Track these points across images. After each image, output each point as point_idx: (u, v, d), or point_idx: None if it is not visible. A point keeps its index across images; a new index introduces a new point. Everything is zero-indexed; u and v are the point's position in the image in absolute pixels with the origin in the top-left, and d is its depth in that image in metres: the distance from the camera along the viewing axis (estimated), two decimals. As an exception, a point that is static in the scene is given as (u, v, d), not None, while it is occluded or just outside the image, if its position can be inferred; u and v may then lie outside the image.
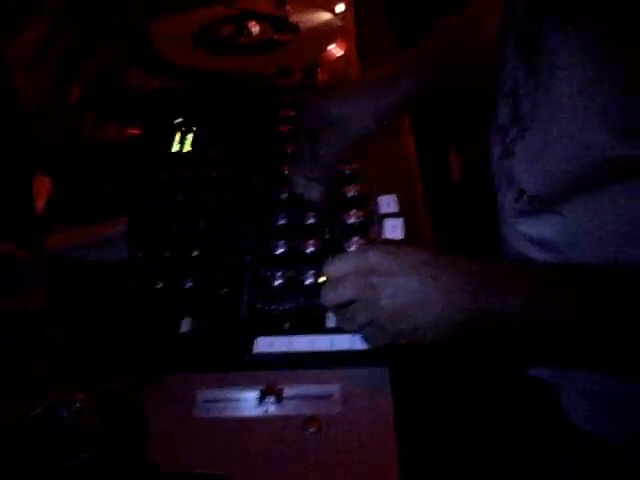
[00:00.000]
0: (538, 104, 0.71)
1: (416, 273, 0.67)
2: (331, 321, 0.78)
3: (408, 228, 0.88)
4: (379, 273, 0.68)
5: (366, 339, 0.73)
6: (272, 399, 0.72)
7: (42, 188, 0.95)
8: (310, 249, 0.85)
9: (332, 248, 0.86)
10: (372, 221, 0.89)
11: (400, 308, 0.67)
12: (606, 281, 0.67)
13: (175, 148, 1.05)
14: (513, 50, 0.76)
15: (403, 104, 0.90)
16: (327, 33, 1.30)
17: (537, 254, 0.78)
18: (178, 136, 1.06)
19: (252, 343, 0.76)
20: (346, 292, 0.69)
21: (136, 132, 1.09)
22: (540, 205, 0.74)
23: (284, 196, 0.93)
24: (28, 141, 0.91)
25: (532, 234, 0.78)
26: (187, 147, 1.05)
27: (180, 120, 1.09)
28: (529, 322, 0.68)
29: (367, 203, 0.92)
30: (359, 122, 0.88)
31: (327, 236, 0.88)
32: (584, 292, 0.66)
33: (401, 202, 0.92)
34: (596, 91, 0.64)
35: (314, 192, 0.91)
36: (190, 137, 1.06)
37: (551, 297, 0.67)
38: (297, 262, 0.84)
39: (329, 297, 0.71)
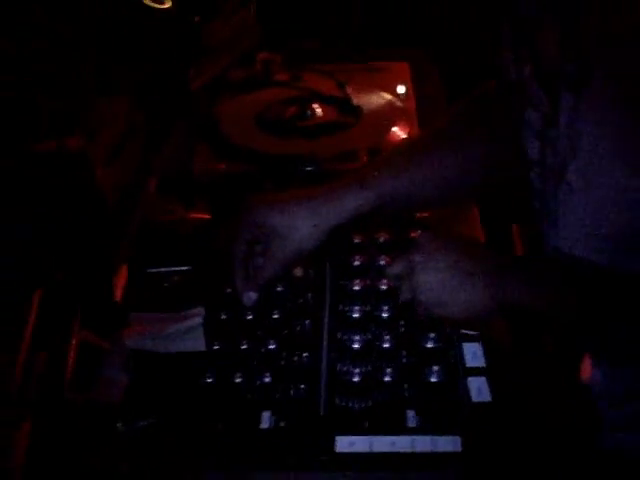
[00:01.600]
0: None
1: (453, 263, 0.77)
2: (411, 420, 0.78)
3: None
4: (421, 256, 0.78)
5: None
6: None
7: (120, 277, 0.97)
8: (386, 344, 0.85)
9: (409, 342, 0.86)
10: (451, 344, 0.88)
11: (434, 291, 0.77)
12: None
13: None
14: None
15: (355, 217, 0.89)
16: (389, 115, 1.32)
17: None
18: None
19: (332, 441, 0.77)
20: (393, 269, 0.82)
21: (205, 217, 1.11)
22: None
23: (358, 287, 0.93)
24: (110, 233, 0.94)
25: None
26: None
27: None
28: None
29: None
30: (300, 239, 0.87)
31: (402, 330, 0.88)
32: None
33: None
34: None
35: (249, 299, 0.90)
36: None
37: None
38: (374, 357, 0.85)
39: (386, 271, 0.85)
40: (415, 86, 1.43)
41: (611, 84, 0.68)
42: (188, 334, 0.89)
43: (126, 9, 1.23)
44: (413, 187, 0.92)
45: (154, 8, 1.27)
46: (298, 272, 0.97)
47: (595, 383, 0.87)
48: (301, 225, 0.87)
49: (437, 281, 0.77)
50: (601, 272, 0.74)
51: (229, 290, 0.94)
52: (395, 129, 1.27)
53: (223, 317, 0.92)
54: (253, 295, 0.90)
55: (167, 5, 1.28)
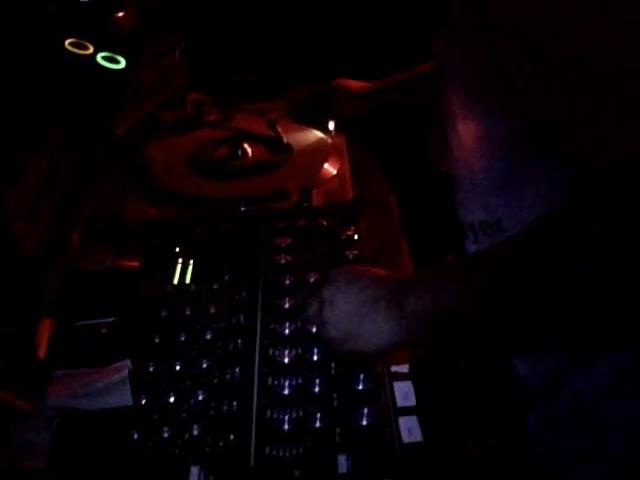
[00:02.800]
0: None
1: (359, 293, 0.77)
2: (343, 466, 0.76)
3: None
4: (329, 290, 0.79)
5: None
6: None
7: (44, 331, 0.94)
8: (317, 388, 0.84)
9: (339, 386, 0.85)
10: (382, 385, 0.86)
11: (342, 324, 0.78)
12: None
13: (175, 281, 1.04)
14: None
15: None
16: (320, 152, 1.32)
17: None
18: (178, 268, 1.06)
19: (263, 493, 0.75)
20: (308, 310, 0.84)
21: (134, 264, 1.09)
22: None
23: (286, 331, 0.92)
24: (30, 287, 0.91)
25: None
26: (187, 279, 1.04)
27: (178, 251, 1.09)
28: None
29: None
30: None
31: (333, 372, 0.87)
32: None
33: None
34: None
35: None
36: (189, 268, 1.06)
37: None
38: (305, 402, 0.83)
39: (301, 316, 0.91)
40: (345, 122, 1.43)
41: None
42: (114, 389, 0.86)
43: (48, 56, 1.21)
44: None
45: (77, 54, 1.25)
46: (226, 318, 0.95)
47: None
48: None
49: (344, 313, 0.78)
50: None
51: (157, 340, 0.93)
52: (326, 166, 1.27)
53: (150, 369, 0.89)
54: None
55: (90, 51, 1.26)
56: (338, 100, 1.38)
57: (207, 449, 0.80)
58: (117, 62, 1.20)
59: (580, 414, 0.87)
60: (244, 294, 0.99)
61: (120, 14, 1.22)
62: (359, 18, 1.64)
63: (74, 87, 1.19)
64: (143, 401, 0.85)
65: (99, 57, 1.19)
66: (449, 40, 0.87)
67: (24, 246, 0.91)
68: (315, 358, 0.88)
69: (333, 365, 0.87)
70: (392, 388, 0.84)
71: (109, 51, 1.21)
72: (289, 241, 1.07)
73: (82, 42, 1.19)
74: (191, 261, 1.07)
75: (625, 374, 0.83)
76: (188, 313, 0.97)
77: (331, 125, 1.38)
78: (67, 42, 1.19)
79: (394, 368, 0.86)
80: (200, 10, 1.55)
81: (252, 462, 0.78)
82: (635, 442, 0.84)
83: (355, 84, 1.40)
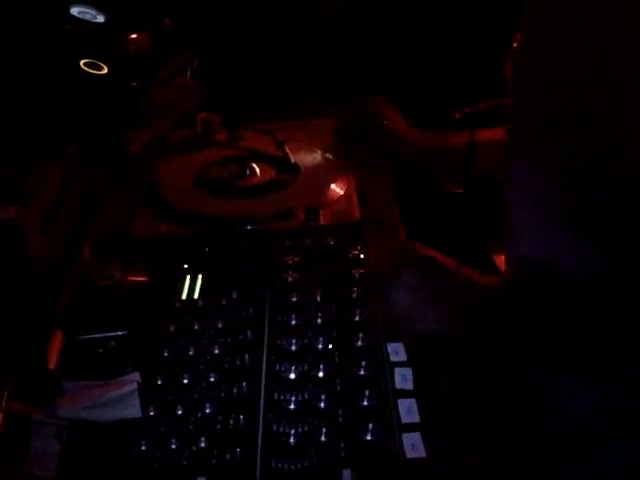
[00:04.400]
0: None
1: None
2: (347, 479, 0.78)
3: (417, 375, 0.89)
4: None
5: None
6: None
7: (55, 344, 0.96)
8: (322, 403, 0.86)
9: (344, 402, 0.86)
10: (382, 371, 0.90)
11: None
12: None
13: (183, 296, 1.06)
14: None
15: None
16: (327, 173, 1.34)
17: None
18: (186, 284, 1.08)
19: (268, 506, 0.76)
20: None
21: (143, 279, 1.11)
22: None
23: (293, 347, 0.94)
24: (43, 301, 0.93)
25: None
26: (195, 294, 1.06)
27: (186, 267, 1.11)
28: None
29: (376, 352, 0.93)
30: None
31: (339, 388, 0.88)
32: None
33: (408, 349, 0.93)
34: None
35: None
36: (198, 284, 1.08)
37: None
38: (310, 418, 0.85)
39: None
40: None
41: None
42: (123, 401, 0.88)
43: (63, 74, 1.24)
44: None
45: (91, 74, 1.28)
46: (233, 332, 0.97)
47: None
48: None
49: None
50: None
51: (166, 354, 0.94)
52: (333, 186, 1.29)
53: (159, 382, 0.91)
54: None
55: (104, 71, 1.29)
56: (386, 141, 1.38)
57: (213, 462, 0.81)
58: (99, 68, 1.22)
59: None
60: (251, 310, 1.01)
61: (134, 35, 1.24)
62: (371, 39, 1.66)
63: (88, 106, 1.21)
64: (151, 413, 0.87)
65: (81, 63, 1.21)
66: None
67: (38, 261, 0.93)
68: (321, 374, 0.90)
69: (338, 381, 0.89)
70: (396, 404, 0.86)
71: (124, 73, 1.24)
72: (296, 259, 1.09)
73: (97, 62, 1.22)
74: (199, 277, 1.09)
75: None
76: (196, 328, 0.98)
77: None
78: (82, 62, 1.22)
79: (398, 385, 0.88)
80: (211, 31, 1.59)
81: (258, 475, 0.80)
82: None
83: (405, 127, 1.38)
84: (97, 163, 1.23)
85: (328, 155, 1.39)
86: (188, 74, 1.47)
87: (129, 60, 1.23)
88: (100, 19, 1.25)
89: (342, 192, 1.29)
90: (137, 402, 0.88)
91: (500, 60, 0.92)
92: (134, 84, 1.31)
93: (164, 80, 1.40)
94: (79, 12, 1.22)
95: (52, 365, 0.94)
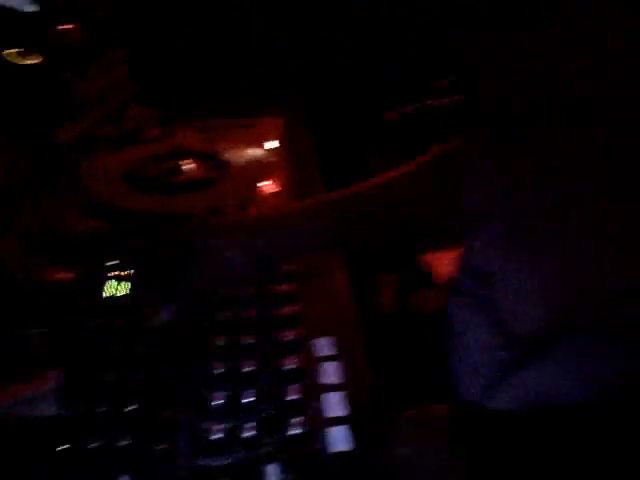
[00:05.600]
0: None
1: None
2: (271, 476, 0.77)
3: (346, 370, 0.89)
4: None
5: None
6: None
7: (-29, 342, 0.93)
8: (247, 399, 0.85)
9: (269, 396, 0.86)
10: (309, 366, 0.90)
11: None
12: None
13: (109, 293, 1.04)
14: None
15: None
16: (260, 170, 1.33)
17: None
18: (113, 281, 1.06)
19: (191, 503, 0.75)
20: None
21: (69, 276, 1.08)
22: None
23: (220, 343, 0.93)
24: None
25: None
26: (122, 291, 1.04)
27: (113, 263, 1.09)
28: None
29: (303, 347, 0.92)
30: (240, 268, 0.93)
31: (264, 383, 0.88)
32: None
33: (338, 344, 0.93)
34: None
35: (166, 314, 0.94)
36: (124, 282, 1.06)
37: None
38: (234, 413, 0.84)
39: None
40: (287, 142, 1.45)
41: None
42: (43, 398, 0.86)
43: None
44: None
45: (21, 64, 1.24)
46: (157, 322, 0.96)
47: None
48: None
49: None
50: None
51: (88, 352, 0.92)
52: (265, 183, 1.28)
53: (81, 379, 0.89)
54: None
55: (36, 60, 1.26)
56: None
57: (136, 459, 0.80)
58: (34, 58, 1.19)
59: None
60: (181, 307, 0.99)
61: (68, 26, 1.22)
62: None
63: (19, 96, 1.18)
64: (71, 411, 0.85)
65: (13, 52, 1.18)
66: None
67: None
68: (246, 370, 0.89)
69: (264, 376, 0.88)
70: (322, 398, 0.85)
71: (57, 63, 1.21)
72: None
73: (29, 52, 1.19)
74: (126, 274, 1.07)
75: None
76: (121, 325, 0.96)
77: (273, 144, 1.40)
78: (12, 51, 1.18)
79: (325, 379, 0.88)
80: (145, 26, 1.57)
81: (182, 472, 0.78)
82: None
83: None
84: (25, 154, 1.20)
85: (261, 152, 1.39)
86: (121, 69, 1.45)
87: (62, 51, 1.20)
88: (29, 8, 1.22)
89: (276, 189, 1.28)
90: (58, 399, 0.85)
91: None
92: (67, 74, 1.28)
93: (97, 72, 1.37)
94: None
95: (-31, 363, 0.91)
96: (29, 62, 1.25)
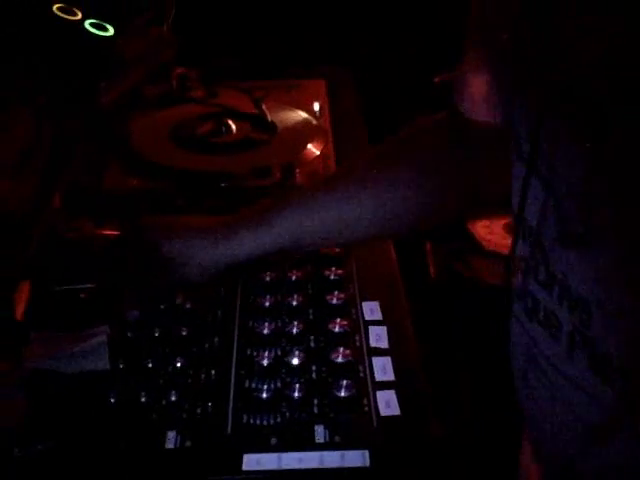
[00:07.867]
0: None
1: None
2: (320, 435, 0.77)
3: (392, 334, 0.89)
4: None
5: None
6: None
7: (22, 294, 0.93)
8: (296, 361, 0.84)
9: (318, 358, 0.85)
10: (357, 329, 0.89)
11: None
12: None
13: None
14: None
15: (257, 258, 0.84)
16: (304, 132, 1.32)
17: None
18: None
19: (239, 459, 0.75)
20: None
21: (114, 233, 1.08)
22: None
23: (267, 303, 0.92)
24: (11, 248, 0.90)
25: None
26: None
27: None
28: None
29: (350, 310, 0.92)
30: (192, 272, 0.85)
31: (312, 346, 0.87)
32: None
33: (384, 308, 0.92)
34: None
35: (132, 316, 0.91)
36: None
37: None
38: (283, 374, 0.83)
39: None
40: (331, 103, 1.43)
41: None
42: (91, 353, 0.86)
43: (34, 19, 1.19)
44: (324, 228, 0.85)
45: (64, 19, 1.23)
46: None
47: None
48: (200, 257, 0.84)
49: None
50: None
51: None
52: (310, 146, 1.27)
53: (129, 335, 0.89)
54: (135, 312, 0.90)
55: (78, 17, 1.25)
56: None
57: (184, 416, 0.80)
58: (105, 29, 1.19)
59: None
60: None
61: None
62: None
63: (60, 53, 1.17)
64: (121, 366, 0.85)
65: (87, 24, 1.17)
66: None
67: (6, 205, 0.90)
68: (295, 331, 0.88)
69: (312, 338, 0.88)
70: (371, 362, 0.85)
71: (98, 18, 1.20)
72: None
73: (70, 8, 1.18)
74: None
75: None
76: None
77: (317, 106, 1.38)
78: (55, 7, 1.17)
79: (373, 343, 0.87)
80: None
81: (229, 429, 0.78)
82: None
83: None
84: (69, 112, 1.20)
85: (307, 114, 1.37)
86: (165, 26, 1.43)
87: (104, 6, 1.19)
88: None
89: (319, 152, 1.27)
90: (106, 354, 0.86)
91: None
92: (108, 32, 1.26)
93: (139, 31, 1.36)
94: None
95: (19, 315, 0.91)
96: (71, 18, 1.24)
